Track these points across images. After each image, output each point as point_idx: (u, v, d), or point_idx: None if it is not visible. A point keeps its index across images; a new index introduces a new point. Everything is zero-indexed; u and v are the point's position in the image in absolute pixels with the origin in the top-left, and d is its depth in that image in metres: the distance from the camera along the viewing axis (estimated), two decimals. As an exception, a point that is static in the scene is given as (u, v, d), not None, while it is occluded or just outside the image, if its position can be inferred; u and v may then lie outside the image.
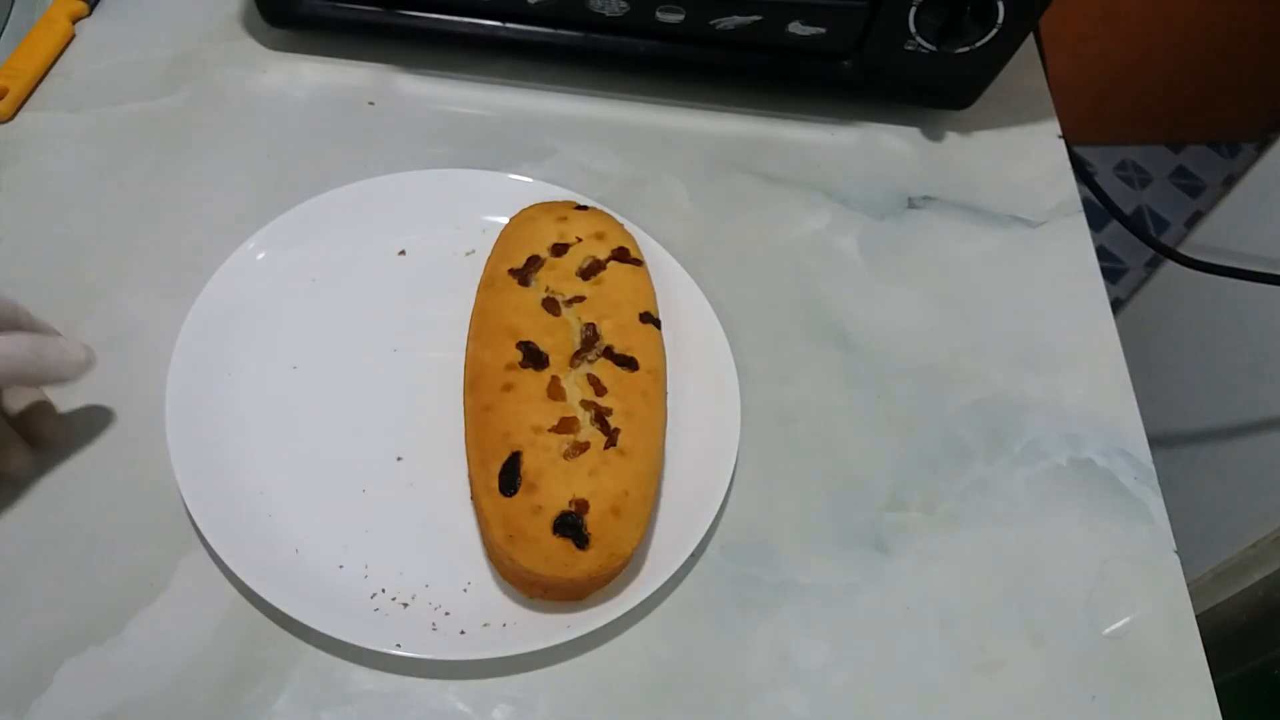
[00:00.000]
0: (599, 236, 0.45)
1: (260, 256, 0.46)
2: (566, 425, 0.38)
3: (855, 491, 0.44)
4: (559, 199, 0.48)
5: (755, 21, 0.52)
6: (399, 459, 0.42)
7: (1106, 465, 0.47)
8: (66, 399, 0.43)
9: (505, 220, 0.47)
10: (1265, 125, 1.68)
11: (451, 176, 0.50)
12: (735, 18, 0.51)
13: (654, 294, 0.44)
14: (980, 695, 0.40)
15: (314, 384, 0.44)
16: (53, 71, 0.54)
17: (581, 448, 0.38)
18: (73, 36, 0.56)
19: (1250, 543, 0.78)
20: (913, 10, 0.50)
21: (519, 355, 0.40)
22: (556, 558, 0.36)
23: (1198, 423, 0.91)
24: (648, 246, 0.47)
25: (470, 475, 0.39)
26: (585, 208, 0.47)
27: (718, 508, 0.41)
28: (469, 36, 0.54)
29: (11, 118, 0.52)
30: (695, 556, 0.41)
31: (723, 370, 0.45)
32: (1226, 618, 0.78)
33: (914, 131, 0.58)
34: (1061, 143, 0.59)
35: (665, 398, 0.41)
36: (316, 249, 0.47)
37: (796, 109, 0.58)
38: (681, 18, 0.52)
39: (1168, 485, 0.46)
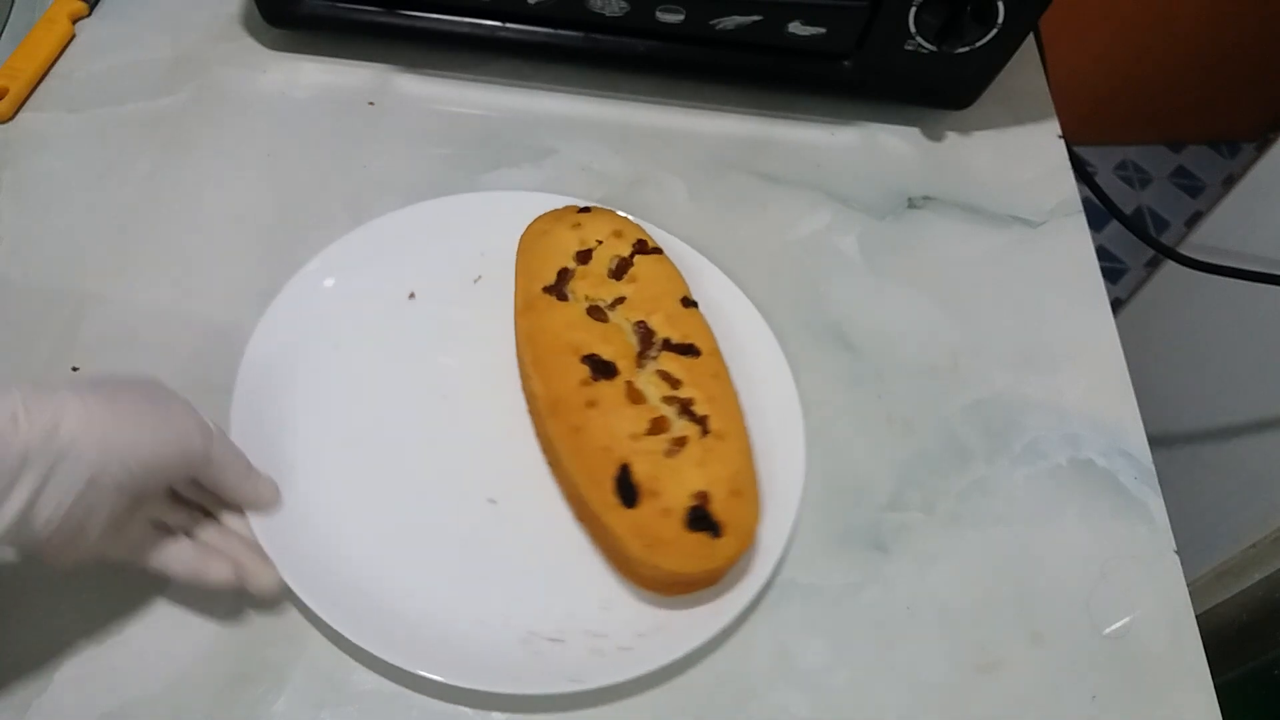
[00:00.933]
0: (617, 234, 0.45)
1: (273, 333, 0.44)
2: (658, 425, 0.39)
3: (855, 491, 0.44)
4: (553, 206, 0.47)
5: (755, 21, 0.52)
6: (491, 501, 0.42)
7: (1106, 465, 0.46)
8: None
9: (501, 239, 0.46)
10: (1265, 125, 1.68)
11: (427, 209, 0.48)
12: (735, 18, 0.51)
13: (683, 277, 0.45)
14: (980, 695, 0.40)
15: (377, 451, 0.42)
16: (53, 71, 0.54)
17: (680, 442, 0.38)
18: (73, 36, 0.56)
19: (1250, 543, 0.78)
20: (913, 10, 0.50)
21: (587, 370, 0.40)
22: (698, 553, 0.36)
23: (1198, 423, 0.91)
24: (661, 240, 0.47)
25: (581, 497, 0.39)
26: (588, 209, 0.47)
27: (803, 470, 0.42)
28: (469, 36, 0.54)
29: (11, 118, 0.52)
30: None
31: (762, 339, 0.45)
32: (1226, 618, 0.78)
33: (914, 131, 0.58)
34: (1061, 143, 0.59)
35: (729, 374, 0.42)
36: (327, 311, 0.45)
37: (796, 109, 0.58)
38: (681, 18, 0.52)
39: (1168, 485, 0.46)
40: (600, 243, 0.44)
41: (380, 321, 0.46)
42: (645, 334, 0.41)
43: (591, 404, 0.39)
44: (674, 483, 0.37)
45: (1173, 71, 1.56)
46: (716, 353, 0.42)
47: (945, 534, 0.44)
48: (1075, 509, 0.45)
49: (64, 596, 0.38)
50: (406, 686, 0.37)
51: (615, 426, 0.38)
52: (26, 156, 0.51)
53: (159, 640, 0.37)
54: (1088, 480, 0.46)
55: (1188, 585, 0.43)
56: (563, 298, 0.42)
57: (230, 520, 0.38)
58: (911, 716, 0.39)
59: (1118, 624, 0.42)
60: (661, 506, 0.37)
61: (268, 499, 0.38)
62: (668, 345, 0.41)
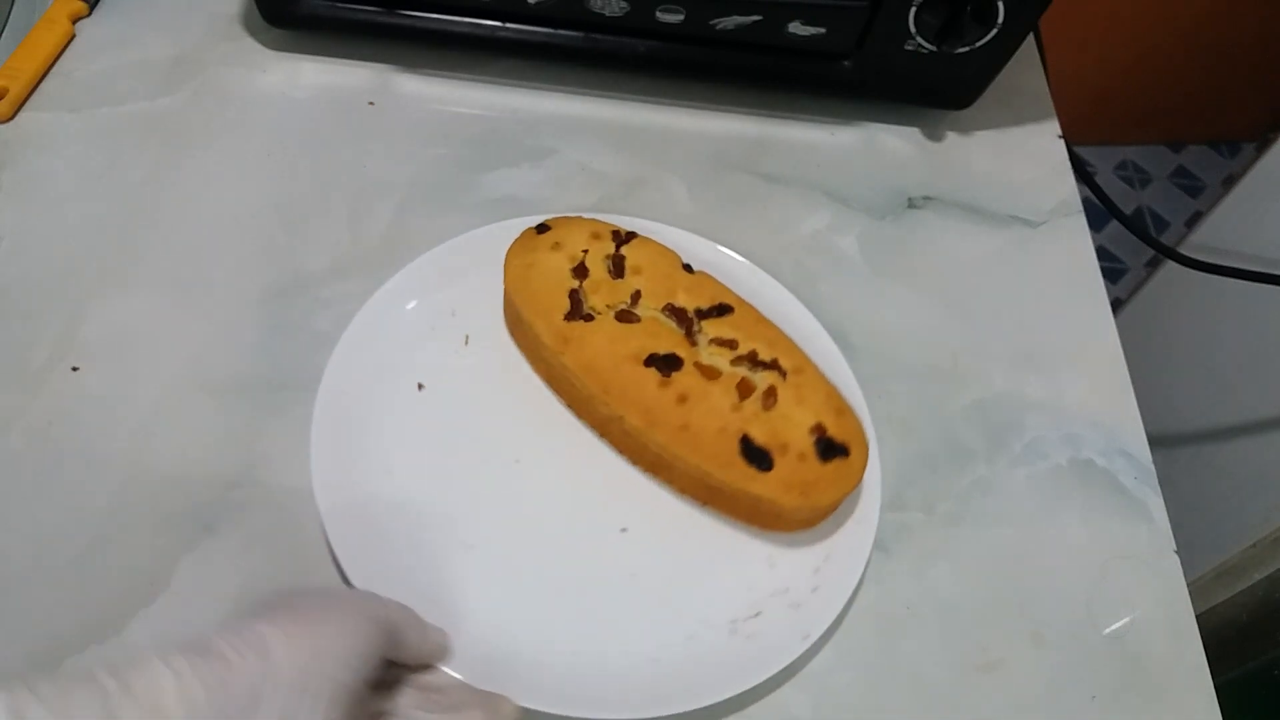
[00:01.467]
0: (594, 236, 0.44)
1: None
2: (745, 387, 0.40)
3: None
4: (490, 239, 0.46)
5: (755, 21, 0.52)
6: (624, 530, 0.42)
7: (1106, 465, 0.46)
8: (61, 393, 0.43)
9: (461, 291, 0.46)
10: (1265, 125, 1.68)
11: (382, 300, 0.45)
12: (735, 18, 0.51)
13: (667, 247, 0.45)
14: (980, 695, 0.40)
15: (495, 535, 0.41)
16: (53, 71, 0.54)
17: (771, 392, 0.40)
18: (73, 36, 0.56)
19: (1250, 543, 0.78)
20: (913, 10, 0.50)
21: (656, 372, 0.40)
22: (841, 476, 0.39)
23: (1198, 423, 0.91)
24: (662, 234, 0.48)
25: (708, 483, 0.41)
26: (545, 226, 0.45)
27: (853, 375, 0.45)
28: (469, 36, 0.54)
29: (11, 118, 0.52)
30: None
31: (775, 290, 0.48)
32: (1226, 618, 0.78)
33: (914, 131, 0.58)
34: (1061, 143, 0.59)
35: (762, 314, 0.43)
36: (353, 431, 0.42)
37: (796, 109, 0.58)
38: (681, 18, 0.52)
39: (1168, 485, 0.46)
40: (586, 251, 0.44)
41: (412, 421, 0.43)
42: (679, 314, 0.42)
43: (682, 399, 0.40)
44: (791, 429, 0.39)
45: (1173, 71, 1.56)
46: (743, 300, 0.43)
47: (945, 534, 0.44)
48: (1075, 509, 0.45)
49: (64, 594, 0.38)
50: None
51: (715, 408, 0.40)
52: (26, 156, 0.51)
53: (159, 640, 0.37)
54: (1088, 480, 0.46)
55: (1188, 585, 0.43)
56: (588, 318, 0.42)
57: (428, 678, 0.36)
58: (912, 716, 0.39)
59: (1118, 624, 0.42)
60: (795, 455, 0.39)
61: (446, 646, 0.36)
62: (702, 314, 0.42)
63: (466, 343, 0.46)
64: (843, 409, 0.41)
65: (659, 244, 0.45)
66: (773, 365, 0.41)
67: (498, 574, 0.40)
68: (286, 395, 0.44)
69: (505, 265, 0.44)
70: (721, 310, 0.43)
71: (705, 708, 0.37)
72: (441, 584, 0.39)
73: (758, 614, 0.40)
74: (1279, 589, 0.75)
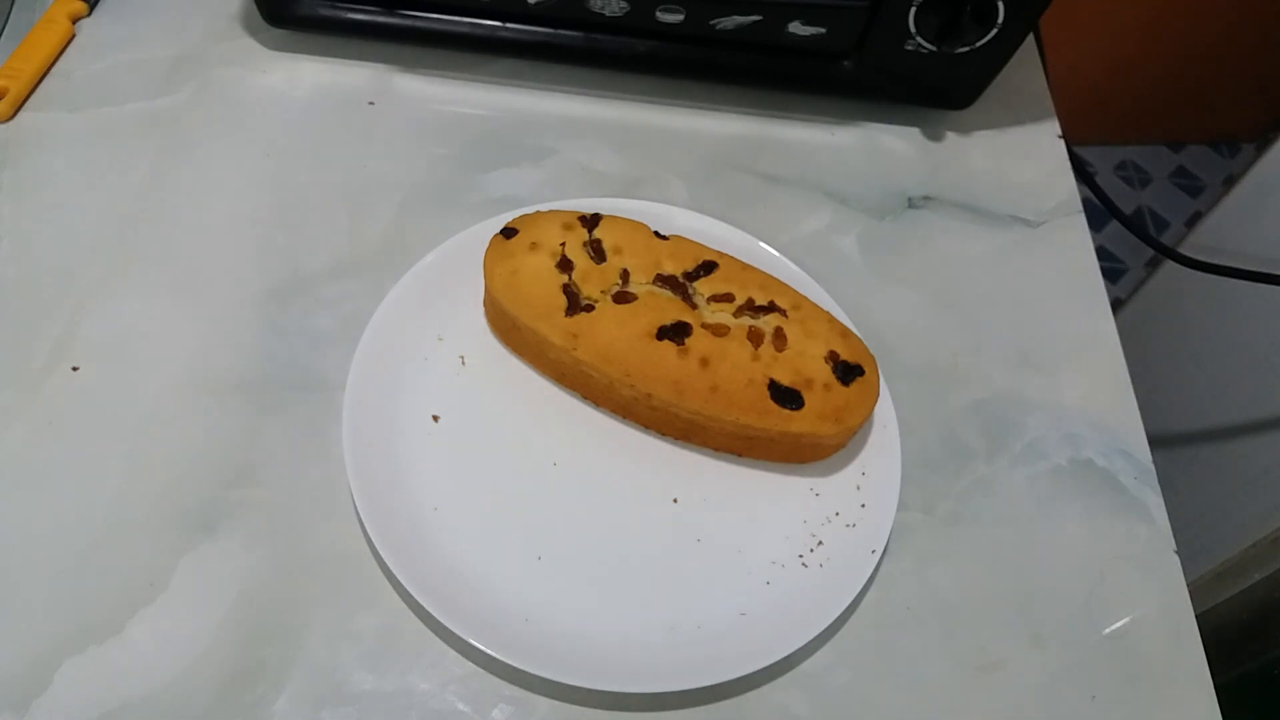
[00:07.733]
0: (566, 228, 0.44)
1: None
2: (755, 336, 0.42)
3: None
4: (444, 261, 0.47)
5: (755, 21, 0.52)
6: (675, 501, 0.43)
7: (1106, 465, 0.47)
8: (61, 393, 0.43)
9: (440, 317, 0.46)
10: (1265, 125, 1.68)
11: (369, 342, 0.44)
12: (735, 18, 0.51)
13: (637, 220, 0.45)
14: (980, 695, 0.40)
15: (557, 537, 0.41)
16: (53, 71, 0.54)
17: (780, 334, 0.42)
18: (73, 36, 0.56)
19: (1250, 543, 0.78)
20: (913, 10, 0.50)
21: (671, 344, 0.41)
22: (865, 393, 0.42)
23: (1198, 423, 0.91)
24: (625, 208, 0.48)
25: (746, 436, 0.42)
26: (513, 230, 0.44)
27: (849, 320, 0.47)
28: (469, 36, 0.54)
29: (11, 118, 0.52)
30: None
31: (735, 233, 0.50)
32: (1226, 618, 0.78)
33: (914, 131, 0.58)
34: (1061, 143, 0.59)
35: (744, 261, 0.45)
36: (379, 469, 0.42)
37: (796, 109, 0.58)
38: (681, 18, 0.52)
39: (1168, 485, 0.46)
40: (564, 244, 0.43)
41: (440, 454, 0.43)
42: (670, 281, 0.43)
43: (704, 363, 0.41)
44: (808, 363, 0.41)
45: (1173, 71, 1.56)
46: (722, 253, 0.44)
47: (945, 534, 0.44)
48: (1075, 509, 0.45)
49: (64, 594, 0.38)
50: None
51: (737, 362, 0.41)
52: (26, 156, 0.51)
53: (159, 640, 0.37)
54: (1088, 480, 0.46)
55: (1188, 585, 0.43)
56: (589, 309, 0.42)
57: None
58: (911, 716, 0.39)
59: (1118, 624, 0.42)
60: (820, 386, 0.41)
61: None
62: (690, 276, 0.43)
63: (463, 363, 0.46)
64: (845, 331, 0.43)
65: (626, 219, 0.45)
66: (771, 308, 0.42)
67: (573, 577, 0.40)
68: (286, 395, 0.44)
69: (487, 276, 0.43)
70: (708, 268, 0.43)
71: (710, 697, 0.37)
72: (523, 600, 0.39)
73: (820, 543, 0.42)
74: (1278, 589, 0.75)
